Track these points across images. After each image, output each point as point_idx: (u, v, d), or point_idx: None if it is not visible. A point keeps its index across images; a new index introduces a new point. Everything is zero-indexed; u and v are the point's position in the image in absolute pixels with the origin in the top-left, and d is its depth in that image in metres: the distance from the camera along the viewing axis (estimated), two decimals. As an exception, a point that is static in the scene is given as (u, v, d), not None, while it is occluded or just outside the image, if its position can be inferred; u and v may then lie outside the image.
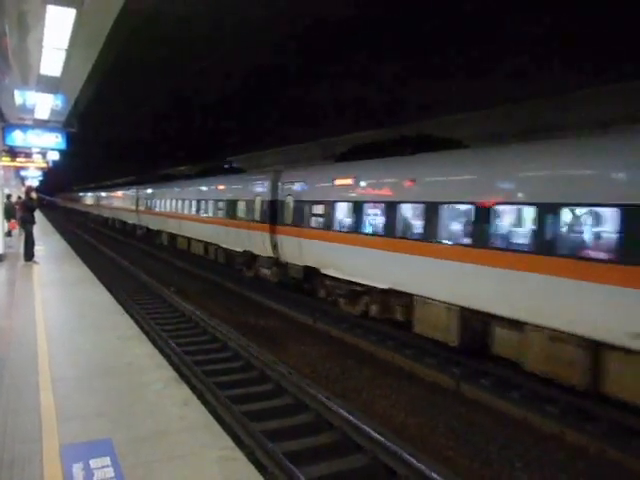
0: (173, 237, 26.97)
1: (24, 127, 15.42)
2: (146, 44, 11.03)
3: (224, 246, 19.78)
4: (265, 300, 15.68)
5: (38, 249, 16.01)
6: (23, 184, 35.98)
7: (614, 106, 10.71)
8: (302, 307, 14.31)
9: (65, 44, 8.03)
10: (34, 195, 16.45)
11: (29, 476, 3.94)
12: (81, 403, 5.29)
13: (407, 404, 8.34)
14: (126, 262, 22.49)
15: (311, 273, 14.10)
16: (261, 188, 16.69)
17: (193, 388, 7.56)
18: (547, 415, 7.62)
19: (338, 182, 12.94)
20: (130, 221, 37.27)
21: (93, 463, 4.10)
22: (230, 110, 18.26)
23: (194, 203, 23.08)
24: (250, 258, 17.64)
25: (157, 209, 29.15)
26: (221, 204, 19.96)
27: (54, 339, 7.47)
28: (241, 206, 18.11)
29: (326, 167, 15.12)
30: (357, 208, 12.09)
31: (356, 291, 12.31)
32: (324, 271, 13.31)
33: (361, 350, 11.17)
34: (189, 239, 24.39)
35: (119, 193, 41.63)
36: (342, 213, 12.95)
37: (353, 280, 12.20)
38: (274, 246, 15.62)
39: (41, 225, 26.91)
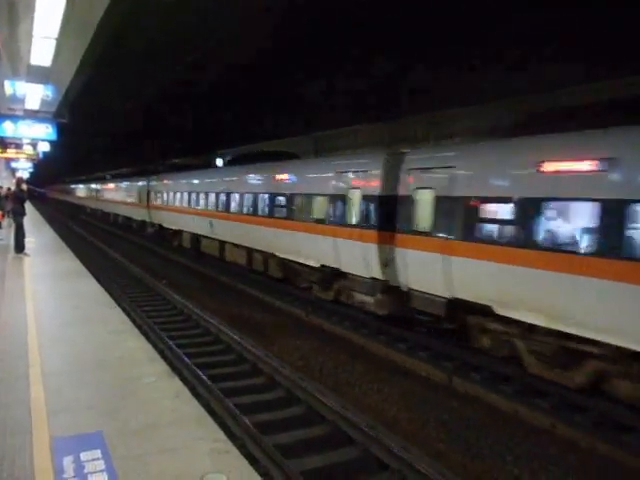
0: (197, 239, 22.03)
1: (14, 118, 15.28)
2: (137, 33, 10.89)
3: (283, 256, 14.64)
4: (258, 294, 15.64)
5: (29, 241, 15.88)
6: (14, 176, 35.67)
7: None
8: (295, 301, 14.29)
9: (55, 33, 7.95)
10: (24, 187, 16.29)
11: (19, 469, 3.91)
12: (72, 396, 5.24)
13: (399, 398, 8.36)
14: (118, 255, 22.38)
15: (460, 308, 9.28)
16: (362, 177, 11.37)
17: (185, 381, 7.54)
18: (538, 409, 7.66)
19: (558, 167, 7.49)
20: (138, 217, 31.42)
21: (84, 456, 4.07)
22: (224, 102, 18.12)
23: (235, 198, 17.66)
24: (329, 276, 12.89)
25: (177, 204, 23.76)
26: (282, 199, 14.51)
27: (45, 332, 7.41)
28: (321, 203, 12.75)
29: (514, 142, 8.89)
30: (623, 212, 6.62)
31: (583, 353, 7.55)
32: (506, 312, 8.28)
33: (354, 344, 11.17)
34: (223, 243, 19.31)
35: (124, 185, 35.78)
36: (574, 219, 7.55)
37: (592, 337, 7.09)
38: (384, 263, 10.71)
39: (32, 217, 26.67)
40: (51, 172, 68.78)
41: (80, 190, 59.24)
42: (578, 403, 7.63)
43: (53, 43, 8.59)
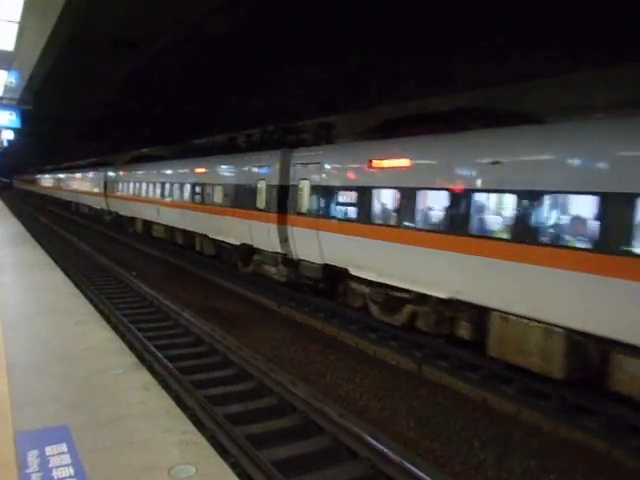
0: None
1: (-24, 104, 14.80)
2: (104, 16, 10.54)
3: None
4: (229, 284, 15.56)
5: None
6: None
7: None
8: (266, 291, 14.26)
9: (17, 16, 7.69)
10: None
11: (-19, 464, 3.82)
12: (37, 389, 5.15)
13: (370, 387, 8.45)
14: (86, 246, 21.95)
15: None
16: None
17: (155, 373, 7.48)
18: (504, 395, 7.85)
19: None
20: (233, 239, 15.76)
21: (49, 450, 4.00)
22: (193, 89, 17.80)
23: None
24: None
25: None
26: None
27: (9, 324, 7.24)
28: None
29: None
30: None
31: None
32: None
33: (325, 334, 11.23)
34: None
35: (185, 171, 19.94)
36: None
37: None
38: None
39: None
40: (19, 161, 65.82)
41: (70, 181, 42.04)
42: (542, 390, 7.84)
43: (15, 27, 8.31)
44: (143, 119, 24.23)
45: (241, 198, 15.02)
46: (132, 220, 26.59)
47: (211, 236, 17.22)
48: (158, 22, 10.91)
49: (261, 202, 13.95)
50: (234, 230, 15.50)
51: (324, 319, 11.81)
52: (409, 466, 5.46)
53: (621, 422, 6.88)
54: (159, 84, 17.19)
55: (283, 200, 13.11)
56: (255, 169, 14.47)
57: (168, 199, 20.93)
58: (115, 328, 9.16)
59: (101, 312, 10.04)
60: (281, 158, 13.47)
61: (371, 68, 12.59)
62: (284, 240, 13.05)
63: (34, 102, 15.56)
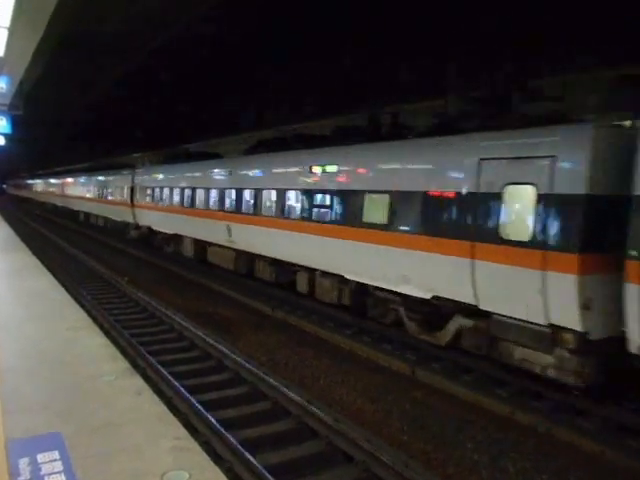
0: None
1: (-34, 110, 14.68)
2: (95, 19, 10.51)
3: None
4: (223, 289, 15.50)
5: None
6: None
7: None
8: (260, 296, 14.22)
9: (7, 22, 7.65)
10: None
11: (-29, 473, 3.78)
12: (29, 396, 5.11)
13: (364, 390, 8.43)
14: (77, 251, 21.82)
15: None
16: None
17: (148, 379, 7.43)
18: (498, 397, 7.86)
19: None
20: (495, 305, 7.82)
21: (40, 457, 3.97)
22: (186, 92, 17.75)
23: None
24: None
25: None
26: None
27: (1, 329, 7.18)
28: None
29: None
30: None
31: None
32: None
33: (319, 338, 11.21)
34: None
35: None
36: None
37: None
38: None
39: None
40: (12, 165, 64.97)
41: (79, 187, 34.05)
42: (536, 390, 7.85)
43: (5, 32, 8.27)
44: (140, 119, 24.05)
45: (441, 219, 8.63)
46: (173, 239, 20.13)
47: (351, 277, 10.78)
48: (155, 22, 10.90)
49: (518, 229, 7.55)
50: (419, 274, 9.17)
51: (317, 323, 11.78)
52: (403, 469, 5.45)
53: (615, 423, 6.90)
54: (155, 84, 17.10)
55: (602, 228, 6.86)
56: (494, 164, 7.78)
57: (253, 214, 14.15)
58: (107, 334, 9.12)
59: (93, 318, 9.98)
60: (596, 141, 6.75)
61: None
62: (587, 306, 6.82)
63: (25, 107, 15.46)
